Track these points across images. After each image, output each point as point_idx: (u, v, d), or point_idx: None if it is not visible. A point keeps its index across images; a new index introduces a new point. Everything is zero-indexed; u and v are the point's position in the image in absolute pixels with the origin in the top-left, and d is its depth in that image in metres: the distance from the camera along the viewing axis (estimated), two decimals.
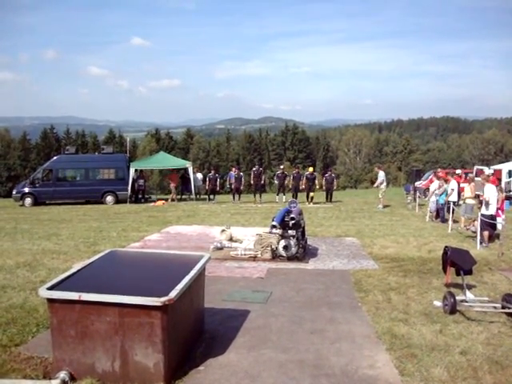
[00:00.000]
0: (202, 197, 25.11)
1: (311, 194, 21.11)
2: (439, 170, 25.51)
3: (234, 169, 25.36)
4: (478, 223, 11.24)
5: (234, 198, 22.53)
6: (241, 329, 5.72)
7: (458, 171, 19.92)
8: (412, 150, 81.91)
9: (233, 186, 22.59)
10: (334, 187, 22.58)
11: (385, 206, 19.62)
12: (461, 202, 14.50)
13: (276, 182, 22.54)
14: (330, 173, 22.36)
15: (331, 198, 21.87)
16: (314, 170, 23.54)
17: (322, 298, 7.06)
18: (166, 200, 24.68)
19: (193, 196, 23.95)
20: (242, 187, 22.81)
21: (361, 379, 4.44)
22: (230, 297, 7.08)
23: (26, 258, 9.67)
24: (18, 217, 18.14)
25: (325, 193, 21.98)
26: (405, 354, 4.96)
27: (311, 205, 20.47)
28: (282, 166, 23.49)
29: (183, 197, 25.23)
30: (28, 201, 23.33)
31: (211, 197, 23.00)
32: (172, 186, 24.47)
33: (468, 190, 14.24)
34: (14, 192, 24.79)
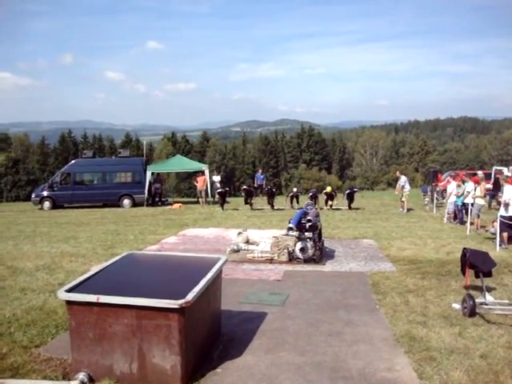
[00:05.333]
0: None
1: (330, 202, 20.70)
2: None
3: (260, 170, 25.23)
4: (497, 224, 11.08)
5: (246, 202, 21.14)
6: (258, 331, 5.71)
7: (479, 172, 19.61)
8: (429, 150, 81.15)
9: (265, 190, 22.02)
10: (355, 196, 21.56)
11: (408, 210, 19.42)
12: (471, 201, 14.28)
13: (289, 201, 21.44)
14: (351, 189, 21.64)
15: (350, 205, 20.77)
16: (330, 172, 23.42)
17: (339, 301, 7.02)
18: (184, 203, 24.76)
19: (210, 199, 23.93)
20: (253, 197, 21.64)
21: (379, 382, 4.40)
22: (247, 299, 7.08)
23: (45, 261, 9.78)
24: (37, 220, 18.38)
25: (347, 202, 20.86)
26: (423, 357, 4.91)
27: (329, 209, 20.13)
28: (294, 189, 22.35)
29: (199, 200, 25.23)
30: (47, 204, 23.63)
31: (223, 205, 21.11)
32: (198, 188, 24.30)
33: (478, 190, 14.09)
34: (32, 196, 25.14)
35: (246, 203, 21.00)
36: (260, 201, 22.90)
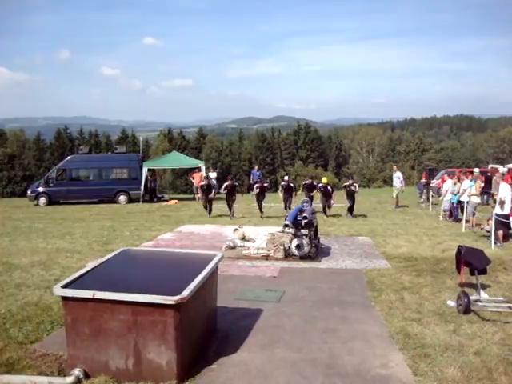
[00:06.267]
0: (215, 196, 25.00)
1: (328, 205, 16.59)
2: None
3: (256, 167, 25.08)
4: (492, 222, 11.12)
5: (230, 211, 16.61)
6: (253, 328, 5.73)
7: (476, 170, 19.66)
8: (425, 148, 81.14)
9: (255, 186, 17.14)
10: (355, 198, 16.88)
11: (398, 206, 19.48)
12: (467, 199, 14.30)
13: (280, 194, 17.13)
14: (351, 181, 17.03)
15: (352, 211, 16.70)
16: (326, 169, 22.40)
17: (334, 297, 7.05)
18: (180, 199, 24.72)
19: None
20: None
21: (374, 378, 4.43)
22: (243, 296, 7.09)
23: (40, 257, 9.77)
24: (33, 216, 18.33)
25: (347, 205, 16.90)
26: (418, 353, 4.93)
27: (326, 217, 16.17)
28: (286, 178, 17.71)
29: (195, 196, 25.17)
30: (42, 200, 23.56)
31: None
32: (194, 185, 24.24)
33: (473, 188, 14.14)
34: (28, 191, 25.09)
35: (230, 207, 16.58)
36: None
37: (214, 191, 17.38)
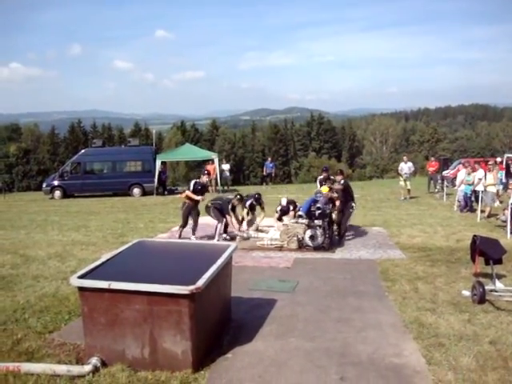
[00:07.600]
0: (229, 188, 25.09)
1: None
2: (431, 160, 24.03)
3: (269, 158, 25.02)
4: (508, 212, 11.02)
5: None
6: (268, 317, 5.76)
7: (498, 159, 19.39)
8: (439, 138, 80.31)
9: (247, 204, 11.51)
10: (353, 212, 11.01)
11: (405, 198, 19.36)
12: (482, 189, 14.16)
13: (276, 218, 11.41)
14: (340, 177, 10.96)
15: (340, 232, 10.63)
16: (340, 160, 21.52)
17: (348, 288, 7.05)
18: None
19: (219, 187, 23.93)
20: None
21: (388, 367, 4.43)
22: (257, 286, 7.13)
23: (56, 249, 9.91)
24: (48, 209, 18.54)
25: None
26: (432, 342, 4.93)
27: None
28: (283, 201, 11.43)
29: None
30: (57, 193, 23.83)
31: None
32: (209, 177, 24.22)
33: (490, 178, 14.00)
34: (43, 185, 25.36)
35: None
36: (270, 190, 22.84)
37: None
